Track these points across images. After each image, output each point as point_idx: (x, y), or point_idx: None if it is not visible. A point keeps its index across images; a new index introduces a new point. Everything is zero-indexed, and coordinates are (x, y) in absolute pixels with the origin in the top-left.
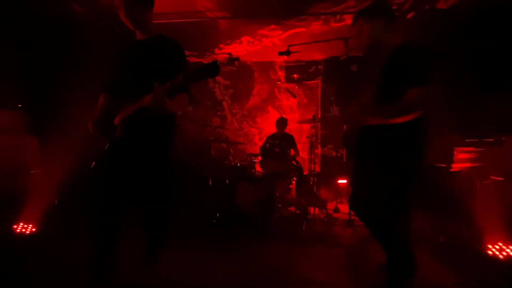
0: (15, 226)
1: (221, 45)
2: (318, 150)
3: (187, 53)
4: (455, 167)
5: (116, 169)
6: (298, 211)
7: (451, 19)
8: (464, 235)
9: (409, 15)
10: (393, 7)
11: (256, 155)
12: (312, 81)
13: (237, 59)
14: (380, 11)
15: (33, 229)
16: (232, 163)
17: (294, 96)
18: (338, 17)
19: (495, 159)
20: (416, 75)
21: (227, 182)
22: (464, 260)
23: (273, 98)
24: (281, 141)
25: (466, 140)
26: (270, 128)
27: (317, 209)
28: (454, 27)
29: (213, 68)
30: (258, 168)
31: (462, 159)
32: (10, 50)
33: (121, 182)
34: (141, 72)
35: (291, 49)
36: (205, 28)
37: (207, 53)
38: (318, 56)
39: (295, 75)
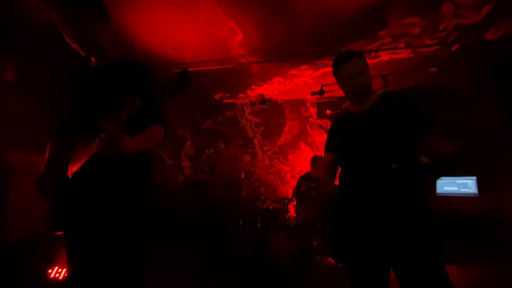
0: (49, 271)
1: (253, 86)
2: None
3: (220, 94)
4: None
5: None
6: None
7: (501, 50)
8: None
9: (454, 48)
10: (435, 41)
11: (290, 199)
12: None
13: (269, 100)
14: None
15: (67, 274)
16: (264, 205)
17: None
18: (373, 54)
19: None
20: (429, 122)
21: (258, 227)
22: None
23: (305, 135)
24: (317, 184)
25: None
26: (302, 165)
27: None
28: (504, 59)
29: (182, 81)
30: (292, 212)
31: None
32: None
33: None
34: (95, 106)
35: (325, 88)
36: (238, 72)
37: (240, 94)
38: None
39: (327, 111)
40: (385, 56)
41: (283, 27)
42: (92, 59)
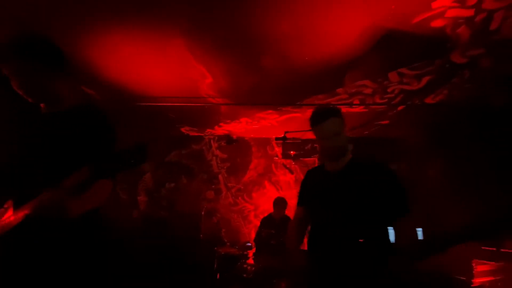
0: None
1: (221, 123)
2: None
3: (187, 128)
4: (476, 281)
5: None
6: None
7: (439, 113)
8: None
9: (400, 108)
10: (384, 101)
11: (249, 247)
12: (309, 159)
13: (236, 141)
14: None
15: None
16: (223, 251)
17: (292, 172)
18: (331, 106)
19: None
20: (406, 202)
21: (214, 274)
22: None
23: (270, 173)
24: (278, 230)
25: (483, 247)
26: (266, 204)
27: None
28: (442, 120)
29: (139, 155)
30: (251, 258)
31: (482, 272)
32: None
33: None
34: (36, 160)
35: (287, 135)
36: (207, 110)
37: (208, 130)
38: (314, 135)
39: (291, 152)
40: (342, 109)
41: (250, 77)
42: (42, 105)
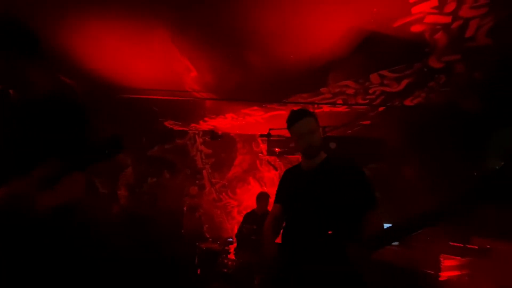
0: None
1: (206, 118)
2: None
3: (171, 122)
4: (444, 275)
5: None
6: None
7: (417, 115)
8: None
9: (381, 109)
10: (366, 101)
11: (230, 242)
12: (293, 156)
13: (221, 136)
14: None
15: None
16: (204, 246)
17: (276, 169)
18: (315, 105)
19: (483, 268)
20: (373, 198)
21: (195, 269)
22: None
23: (255, 170)
24: (260, 226)
25: (451, 243)
26: (250, 200)
27: None
28: (419, 122)
29: (113, 146)
30: (233, 254)
31: (449, 267)
32: None
33: None
34: (3, 149)
35: (272, 132)
36: (192, 104)
37: (192, 124)
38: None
39: (276, 149)
40: (326, 108)
41: (236, 72)
42: (11, 91)
